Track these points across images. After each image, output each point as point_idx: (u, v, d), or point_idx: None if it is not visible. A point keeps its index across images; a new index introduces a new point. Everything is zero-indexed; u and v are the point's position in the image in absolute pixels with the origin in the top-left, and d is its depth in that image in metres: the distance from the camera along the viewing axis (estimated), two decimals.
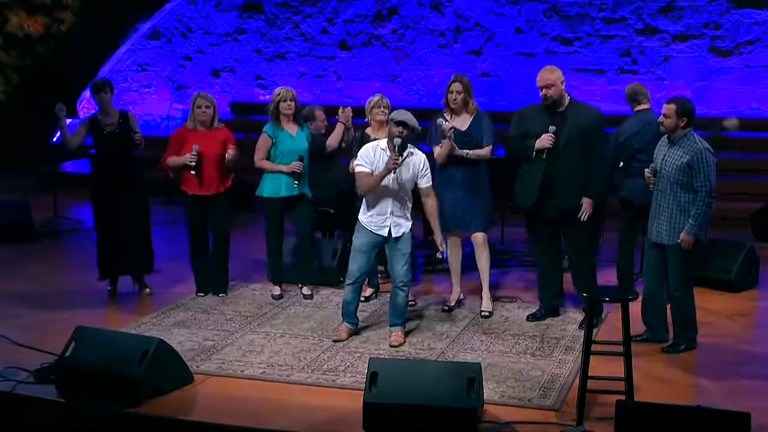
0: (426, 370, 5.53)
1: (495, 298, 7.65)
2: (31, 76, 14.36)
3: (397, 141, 6.45)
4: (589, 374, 5.46)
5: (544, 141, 6.83)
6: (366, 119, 7.80)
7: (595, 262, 7.39)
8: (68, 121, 7.90)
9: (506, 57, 14.30)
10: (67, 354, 5.88)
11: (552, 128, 6.83)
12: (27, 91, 14.24)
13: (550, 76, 6.83)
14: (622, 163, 7.75)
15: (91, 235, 8.14)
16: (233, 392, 5.90)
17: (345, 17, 15.10)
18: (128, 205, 7.71)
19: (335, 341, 6.80)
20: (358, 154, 6.73)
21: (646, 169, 6.67)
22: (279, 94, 7.70)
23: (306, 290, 7.94)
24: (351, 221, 7.11)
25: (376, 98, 7.67)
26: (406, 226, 6.66)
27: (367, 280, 7.82)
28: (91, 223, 8.34)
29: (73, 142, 7.80)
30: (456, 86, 7.27)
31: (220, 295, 7.91)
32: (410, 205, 6.71)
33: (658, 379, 6.12)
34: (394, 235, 6.62)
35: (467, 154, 7.24)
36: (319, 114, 8.38)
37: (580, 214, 6.90)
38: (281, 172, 7.64)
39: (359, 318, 7.03)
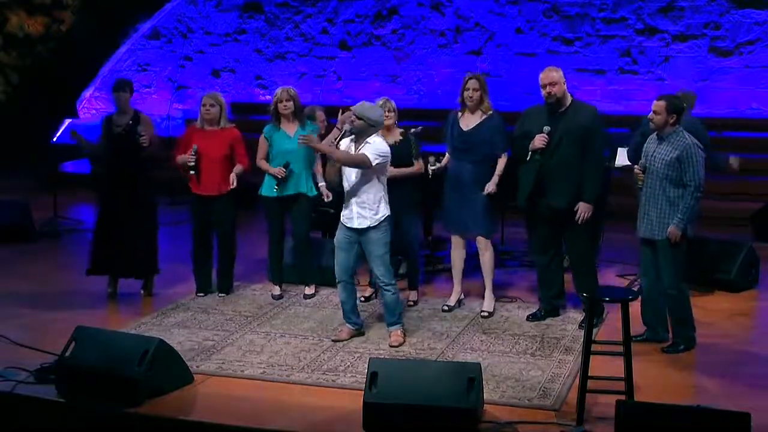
0: (426, 370, 5.54)
1: (496, 299, 7.64)
2: (31, 76, 14.32)
3: (347, 127, 6.57)
4: (589, 374, 5.46)
5: (537, 142, 6.84)
6: None
7: (595, 262, 7.38)
8: (69, 120, 7.93)
9: (506, 57, 14.28)
10: (67, 354, 5.88)
11: (546, 129, 6.83)
12: (27, 91, 14.20)
13: (554, 75, 6.84)
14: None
15: (90, 235, 8.14)
16: (233, 392, 5.91)
17: (345, 17, 15.09)
18: (131, 205, 7.70)
19: (334, 341, 6.80)
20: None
21: (635, 166, 6.70)
22: (276, 95, 7.71)
23: (308, 290, 7.95)
24: None
25: (381, 101, 7.40)
26: (371, 220, 6.57)
27: (368, 280, 7.85)
28: (92, 221, 8.34)
29: (102, 148, 7.88)
30: (473, 83, 7.21)
31: (220, 295, 7.91)
32: (378, 199, 6.57)
33: (658, 379, 6.12)
34: (356, 226, 6.58)
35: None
36: (320, 114, 8.38)
37: (577, 217, 6.88)
38: (268, 173, 7.69)
39: (361, 318, 7.02)
